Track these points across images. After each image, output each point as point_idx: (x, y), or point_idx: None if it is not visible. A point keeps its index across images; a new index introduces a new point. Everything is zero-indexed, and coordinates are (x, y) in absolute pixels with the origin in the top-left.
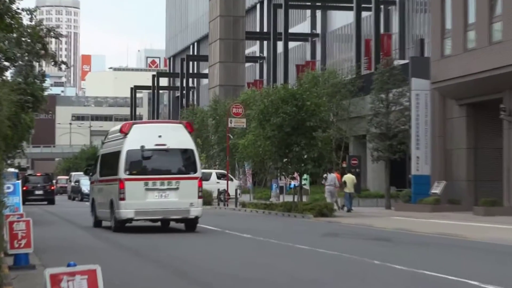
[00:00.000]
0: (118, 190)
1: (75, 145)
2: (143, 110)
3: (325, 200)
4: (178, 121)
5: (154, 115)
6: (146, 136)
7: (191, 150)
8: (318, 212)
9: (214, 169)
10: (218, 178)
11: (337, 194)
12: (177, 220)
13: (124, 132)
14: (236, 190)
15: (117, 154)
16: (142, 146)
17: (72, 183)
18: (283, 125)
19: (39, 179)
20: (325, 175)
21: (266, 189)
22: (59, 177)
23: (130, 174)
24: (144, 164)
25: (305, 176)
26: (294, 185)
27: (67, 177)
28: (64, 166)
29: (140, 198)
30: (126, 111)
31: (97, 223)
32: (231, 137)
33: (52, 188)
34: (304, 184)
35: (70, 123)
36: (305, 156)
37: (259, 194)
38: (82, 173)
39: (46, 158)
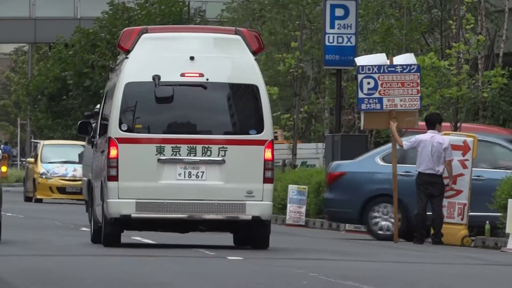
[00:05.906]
0: (105, 161)
1: None
2: None
3: None
4: (231, 28)
5: None
6: (165, 57)
7: (255, 88)
8: None
9: None
10: None
11: None
12: (216, 225)
13: (124, 49)
14: None
15: (112, 93)
16: (156, 77)
17: None
18: None
19: None
20: None
21: None
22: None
23: (129, 130)
24: (157, 112)
25: None
26: None
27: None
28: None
29: (147, 178)
30: None
31: (98, 234)
32: None
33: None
34: None
35: None
36: None
37: None
38: None
39: None
